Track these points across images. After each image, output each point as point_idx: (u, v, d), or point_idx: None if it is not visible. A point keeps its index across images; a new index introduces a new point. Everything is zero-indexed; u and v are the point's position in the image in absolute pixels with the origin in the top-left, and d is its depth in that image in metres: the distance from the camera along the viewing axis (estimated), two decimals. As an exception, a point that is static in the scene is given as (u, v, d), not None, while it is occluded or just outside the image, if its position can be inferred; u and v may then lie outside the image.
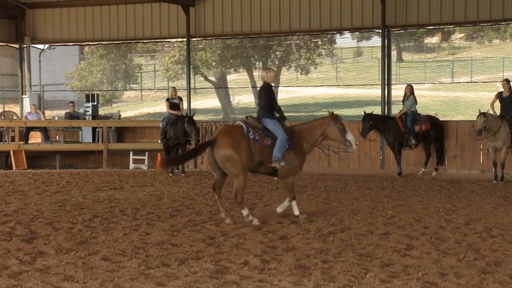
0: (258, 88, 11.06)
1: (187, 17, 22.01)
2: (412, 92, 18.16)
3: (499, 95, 16.84)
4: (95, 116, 23.05)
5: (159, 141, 18.85)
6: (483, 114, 16.10)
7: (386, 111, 19.96)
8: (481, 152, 18.53)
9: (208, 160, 10.42)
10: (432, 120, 18.48)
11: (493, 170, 16.69)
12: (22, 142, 21.52)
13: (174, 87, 19.41)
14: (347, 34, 29.90)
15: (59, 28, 24.11)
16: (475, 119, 16.59)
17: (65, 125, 22.81)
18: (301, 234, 9.16)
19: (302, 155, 10.68)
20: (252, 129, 10.31)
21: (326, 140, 10.96)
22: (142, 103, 36.63)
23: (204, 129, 21.01)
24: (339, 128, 10.57)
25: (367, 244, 8.52)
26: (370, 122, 17.93)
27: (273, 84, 10.88)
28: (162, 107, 23.17)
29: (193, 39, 22.87)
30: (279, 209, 10.76)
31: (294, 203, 10.64)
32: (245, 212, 10.24)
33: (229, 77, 33.71)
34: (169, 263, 7.46)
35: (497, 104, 16.84)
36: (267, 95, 10.59)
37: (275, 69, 11.41)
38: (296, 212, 10.59)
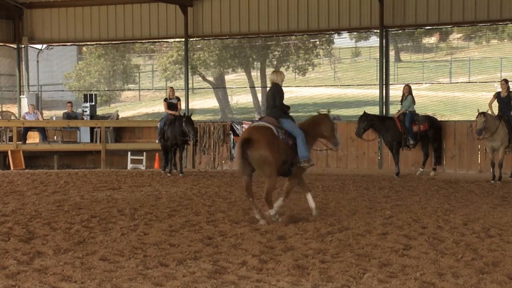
0: (268, 89, 11.08)
1: (185, 17, 22.01)
2: (410, 92, 18.17)
3: (497, 95, 16.87)
4: (93, 116, 23.04)
5: (157, 141, 18.84)
6: (482, 114, 16.11)
7: (384, 111, 19.96)
8: (479, 152, 18.56)
9: (238, 161, 10.28)
10: (430, 120, 18.50)
11: (491, 170, 16.71)
12: (20, 142, 21.51)
13: (172, 87, 19.40)
14: (345, 34, 29.85)
15: (57, 28, 24.10)
16: (473, 119, 16.62)
17: (63, 125, 22.80)
18: (299, 234, 9.16)
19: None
20: (277, 128, 10.34)
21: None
22: (140, 103, 36.59)
23: (202, 129, 21.02)
24: (331, 126, 11.03)
25: (365, 244, 8.52)
26: (365, 122, 17.94)
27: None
28: (160, 107, 23.13)
29: (191, 39, 22.87)
30: (312, 205, 10.82)
31: (309, 195, 10.84)
32: (272, 212, 10.26)
33: (227, 77, 33.67)
34: (167, 263, 7.46)
35: (495, 104, 16.87)
36: (280, 95, 10.68)
37: (282, 71, 11.58)
38: (312, 204, 10.78)
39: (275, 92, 10.70)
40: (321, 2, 20.65)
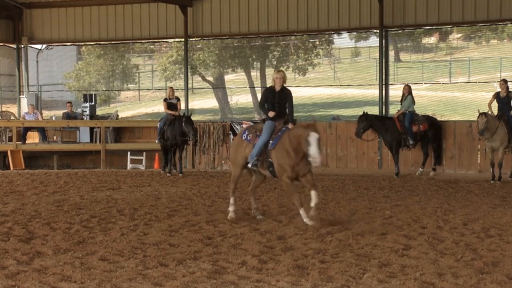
0: None
1: (185, 17, 22.01)
2: (410, 92, 18.17)
3: (497, 95, 16.87)
4: (92, 116, 23.05)
5: (156, 141, 18.84)
6: (484, 114, 16.10)
7: (384, 111, 19.96)
8: (479, 152, 18.56)
9: None
10: (430, 120, 18.50)
11: (491, 170, 16.71)
12: (19, 142, 21.51)
13: (171, 87, 19.39)
14: (345, 34, 29.82)
15: (56, 28, 24.09)
16: (473, 119, 16.61)
17: (63, 125, 22.80)
18: (299, 234, 9.16)
19: (287, 157, 9.93)
20: (249, 130, 10.78)
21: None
22: (140, 103, 36.57)
23: (202, 129, 21.01)
24: (305, 139, 9.61)
25: (365, 244, 8.52)
26: (365, 122, 17.95)
27: (275, 86, 10.67)
28: (160, 107, 23.13)
29: (191, 39, 22.86)
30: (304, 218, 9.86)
31: (301, 211, 9.91)
32: (232, 200, 10.64)
33: (227, 77, 33.64)
34: (166, 263, 7.46)
35: (494, 104, 16.87)
36: (261, 96, 11.06)
37: (281, 71, 11.30)
38: (305, 220, 9.81)
39: None
40: (321, 2, 20.65)
